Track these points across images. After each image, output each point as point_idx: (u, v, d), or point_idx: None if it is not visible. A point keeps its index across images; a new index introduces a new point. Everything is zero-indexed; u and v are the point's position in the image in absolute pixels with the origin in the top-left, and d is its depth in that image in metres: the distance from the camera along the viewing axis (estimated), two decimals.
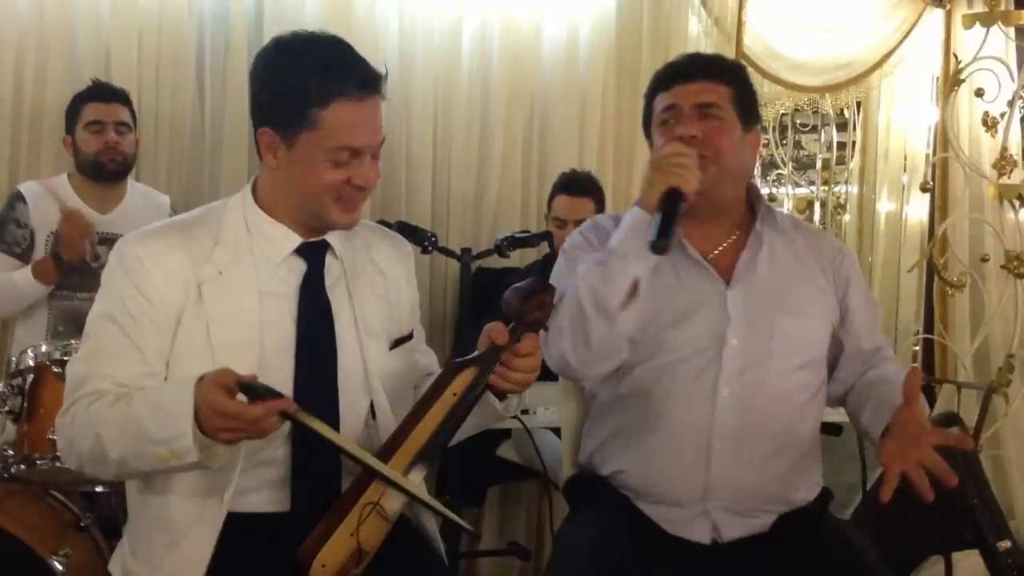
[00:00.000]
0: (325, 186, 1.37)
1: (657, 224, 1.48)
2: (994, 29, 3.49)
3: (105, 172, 2.62)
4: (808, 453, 1.66)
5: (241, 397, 1.22)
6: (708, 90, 1.61)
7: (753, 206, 1.70)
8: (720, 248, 1.66)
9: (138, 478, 1.41)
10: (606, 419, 1.69)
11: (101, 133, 2.59)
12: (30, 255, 2.56)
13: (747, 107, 1.64)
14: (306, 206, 1.41)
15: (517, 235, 2.43)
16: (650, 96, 1.69)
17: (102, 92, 2.64)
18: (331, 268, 1.47)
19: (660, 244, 1.46)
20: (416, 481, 1.38)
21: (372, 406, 1.47)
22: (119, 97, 2.65)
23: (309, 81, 1.34)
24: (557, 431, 2.19)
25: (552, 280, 1.63)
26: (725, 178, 1.60)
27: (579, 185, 2.91)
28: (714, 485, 1.57)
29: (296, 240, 1.44)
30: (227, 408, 1.21)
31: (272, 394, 1.22)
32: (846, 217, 4.19)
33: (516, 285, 1.43)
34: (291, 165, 1.38)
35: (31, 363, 2.07)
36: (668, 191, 1.50)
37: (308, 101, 1.33)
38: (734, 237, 1.67)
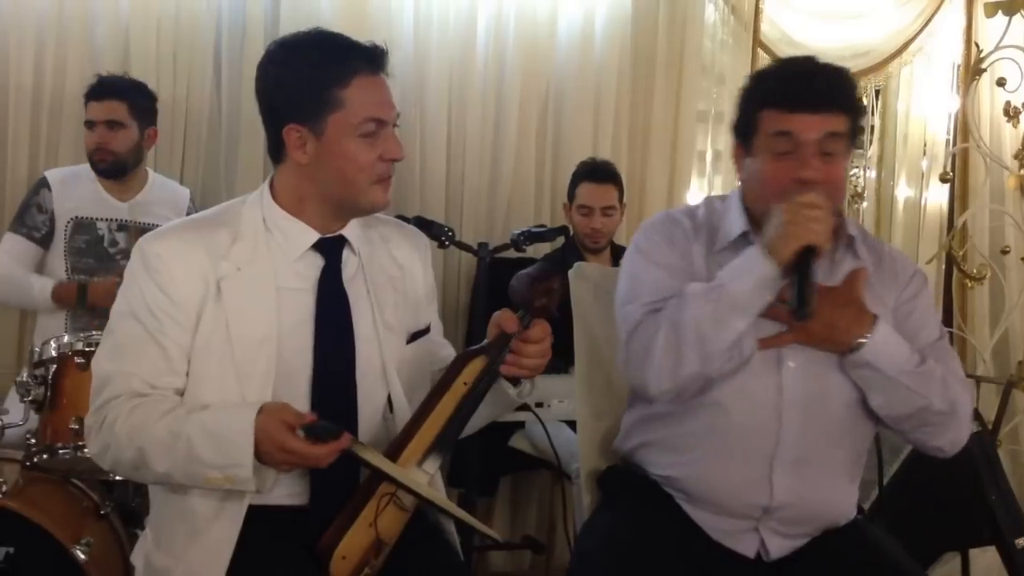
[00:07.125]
0: (360, 166, 1.40)
1: (797, 291, 1.39)
2: (1016, 18, 3.44)
3: (98, 171, 2.61)
4: (858, 474, 1.63)
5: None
6: (834, 127, 1.48)
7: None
8: None
9: None
10: (662, 423, 1.61)
11: (92, 132, 2.58)
12: (49, 241, 2.59)
13: (856, 134, 1.54)
14: (344, 194, 1.43)
15: (534, 230, 2.43)
16: (756, 103, 1.53)
17: (96, 90, 2.57)
18: (348, 262, 1.49)
19: (805, 312, 1.38)
20: (431, 470, 1.40)
21: (389, 399, 1.49)
22: (114, 92, 2.56)
23: (326, 66, 1.40)
24: (571, 423, 2.20)
25: (626, 279, 1.58)
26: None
27: (603, 171, 2.95)
28: (773, 506, 1.53)
29: (314, 236, 1.46)
30: (293, 448, 1.30)
31: (332, 434, 1.29)
32: (863, 204, 4.15)
33: (523, 272, 1.43)
34: (323, 154, 1.41)
35: (54, 353, 2.08)
36: (804, 249, 1.39)
37: (329, 83, 1.39)
38: None
